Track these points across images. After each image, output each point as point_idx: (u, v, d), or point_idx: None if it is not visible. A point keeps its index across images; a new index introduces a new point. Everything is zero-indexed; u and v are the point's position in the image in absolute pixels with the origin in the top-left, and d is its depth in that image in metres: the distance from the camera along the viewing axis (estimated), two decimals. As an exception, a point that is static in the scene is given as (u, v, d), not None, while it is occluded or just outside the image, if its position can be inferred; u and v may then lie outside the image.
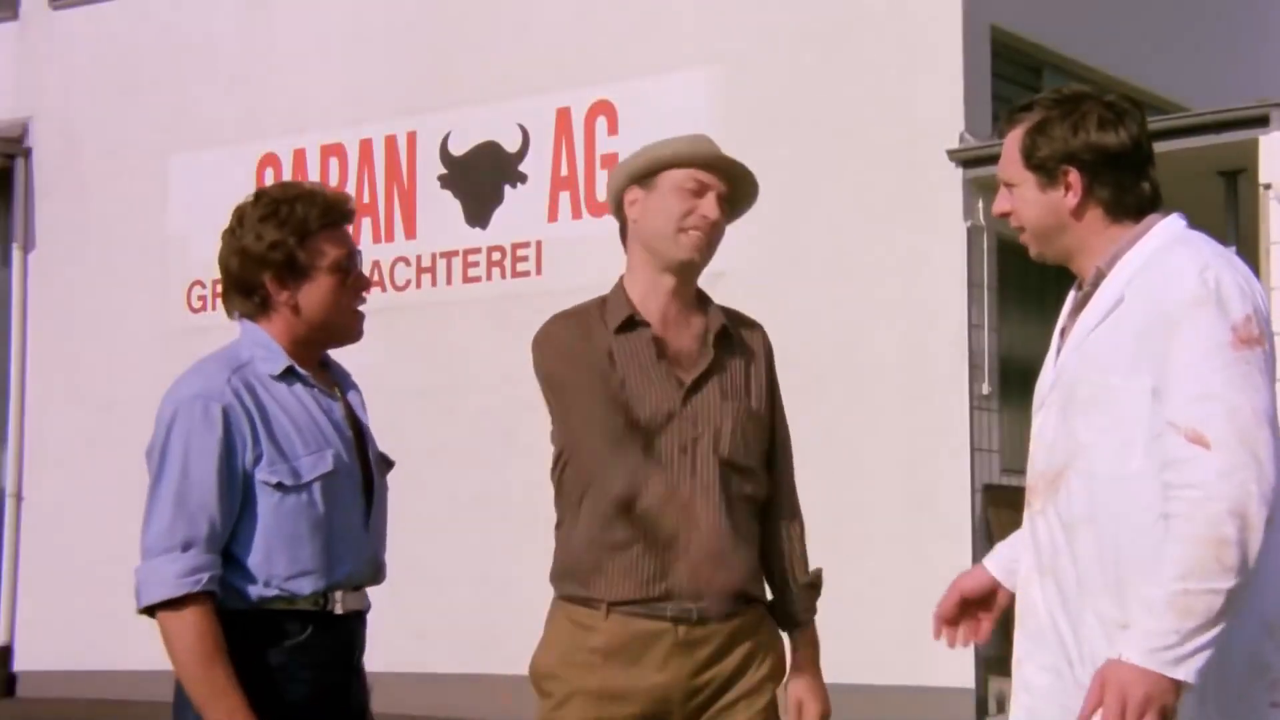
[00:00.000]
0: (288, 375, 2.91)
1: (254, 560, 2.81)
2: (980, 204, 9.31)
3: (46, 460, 12.09)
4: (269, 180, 11.42)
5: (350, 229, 2.99)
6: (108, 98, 12.09)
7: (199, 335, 11.52)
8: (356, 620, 2.98)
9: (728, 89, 9.76)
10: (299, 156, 11.32)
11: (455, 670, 10.21)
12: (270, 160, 11.41)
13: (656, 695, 2.86)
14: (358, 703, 2.93)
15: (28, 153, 12.34)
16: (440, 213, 10.76)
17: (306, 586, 2.85)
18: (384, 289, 10.91)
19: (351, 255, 2.94)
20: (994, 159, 10.28)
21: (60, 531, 11.91)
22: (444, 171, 10.81)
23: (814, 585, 3.03)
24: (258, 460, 2.81)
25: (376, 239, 10.97)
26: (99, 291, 11.93)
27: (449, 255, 10.71)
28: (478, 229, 10.67)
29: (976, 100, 9.36)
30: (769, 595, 3.02)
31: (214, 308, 11.53)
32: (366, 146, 11.09)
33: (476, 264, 10.62)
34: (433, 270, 10.75)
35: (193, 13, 11.89)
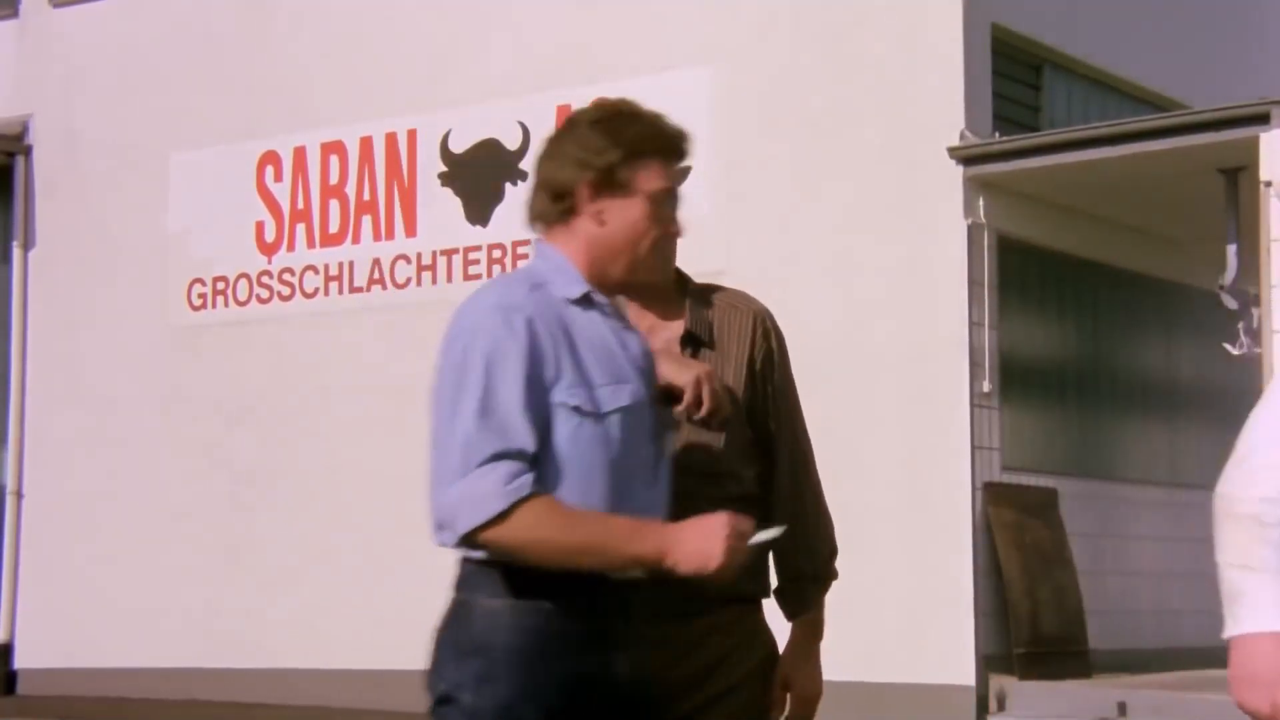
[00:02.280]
0: (585, 301, 2.66)
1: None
2: (980, 202, 9.32)
3: (47, 458, 12.09)
4: (269, 178, 11.42)
5: (679, 171, 2.81)
6: (108, 96, 12.09)
7: (199, 333, 11.55)
8: (633, 590, 2.64)
9: (728, 87, 9.76)
10: (299, 154, 11.32)
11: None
12: (270, 158, 11.41)
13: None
14: (636, 668, 2.64)
15: (28, 151, 12.34)
16: (441, 211, 10.76)
17: None
18: (385, 287, 10.91)
19: (672, 194, 2.75)
20: (994, 157, 10.27)
21: (60, 529, 11.92)
22: (444, 169, 10.81)
23: (819, 578, 2.99)
24: (557, 380, 2.54)
25: (377, 237, 10.97)
26: (99, 289, 11.93)
27: (449, 253, 10.71)
28: (478, 227, 10.67)
29: (977, 98, 9.36)
30: (766, 587, 2.98)
31: (214, 305, 11.54)
32: (367, 144, 11.09)
33: (477, 261, 10.62)
34: (433, 268, 10.75)
35: (193, 11, 11.89)
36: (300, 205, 11.29)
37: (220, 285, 11.50)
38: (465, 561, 2.57)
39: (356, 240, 11.05)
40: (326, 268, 11.14)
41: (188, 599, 11.23)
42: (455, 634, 2.54)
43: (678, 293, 2.99)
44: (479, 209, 10.69)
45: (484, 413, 2.50)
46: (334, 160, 11.21)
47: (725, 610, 2.85)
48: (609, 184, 2.69)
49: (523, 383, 2.51)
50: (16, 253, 12.35)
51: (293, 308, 11.21)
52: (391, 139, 10.99)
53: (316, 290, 11.16)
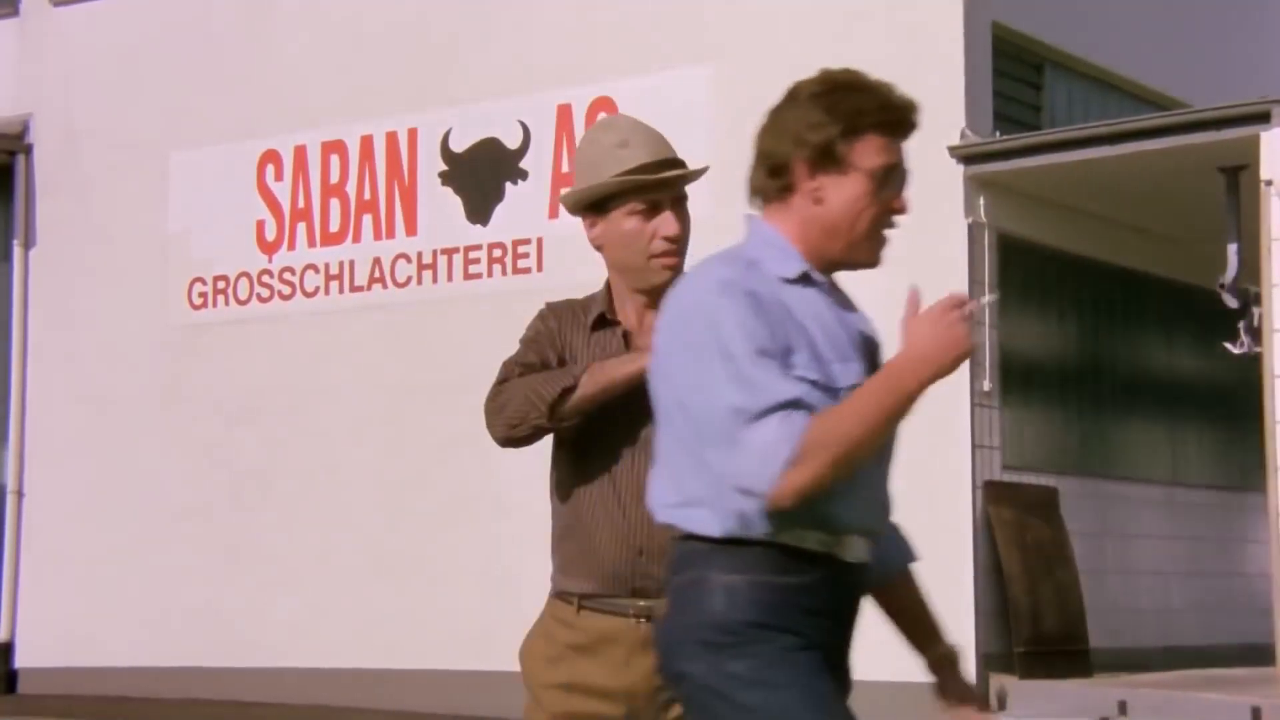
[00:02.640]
0: (803, 280, 2.59)
1: None
2: (981, 201, 9.32)
3: (47, 457, 12.09)
4: (269, 177, 11.42)
5: (903, 145, 2.64)
6: (108, 94, 12.09)
7: (200, 332, 11.54)
8: (861, 572, 2.63)
9: (727, 85, 9.76)
10: (300, 153, 11.32)
11: (454, 667, 10.21)
12: (271, 157, 11.41)
13: (623, 694, 2.84)
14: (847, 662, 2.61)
15: (28, 149, 12.33)
16: (441, 209, 10.76)
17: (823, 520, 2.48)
18: (385, 286, 10.91)
19: (895, 170, 2.60)
20: (994, 156, 10.26)
21: (61, 528, 11.92)
22: (445, 168, 10.80)
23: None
24: (792, 354, 2.48)
25: (377, 235, 10.97)
26: (99, 288, 11.93)
27: (450, 252, 10.71)
28: (479, 226, 10.66)
29: (977, 97, 9.35)
30: None
31: (214, 304, 11.54)
32: (367, 143, 11.09)
33: (477, 260, 10.62)
34: (434, 267, 10.75)
35: (193, 9, 11.89)
36: (301, 204, 11.29)
37: (221, 284, 11.50)
38: (688, 540, 2.48)
39: (357, 239, 11.05)
40: (327, 267, 11.14)
41: (188, 598, 11.23)
42: (695, 614, 2.44)
43: None
44: (479, 208, 10.68)
45: (736, 379, 2.42)
46: (334, 159, 11.21)
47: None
48: (826, 161, 2.57)
49: (765, 351, 2.44)
50: (17, 251, 12.35)
51: (293, 307, 11.21)
52: (392, 138, 10.99)
53: (317, 289, 11.16)
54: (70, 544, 11.84)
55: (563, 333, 3.01)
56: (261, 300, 11.33)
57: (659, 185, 2.96)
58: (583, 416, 2.88)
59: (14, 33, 12.62)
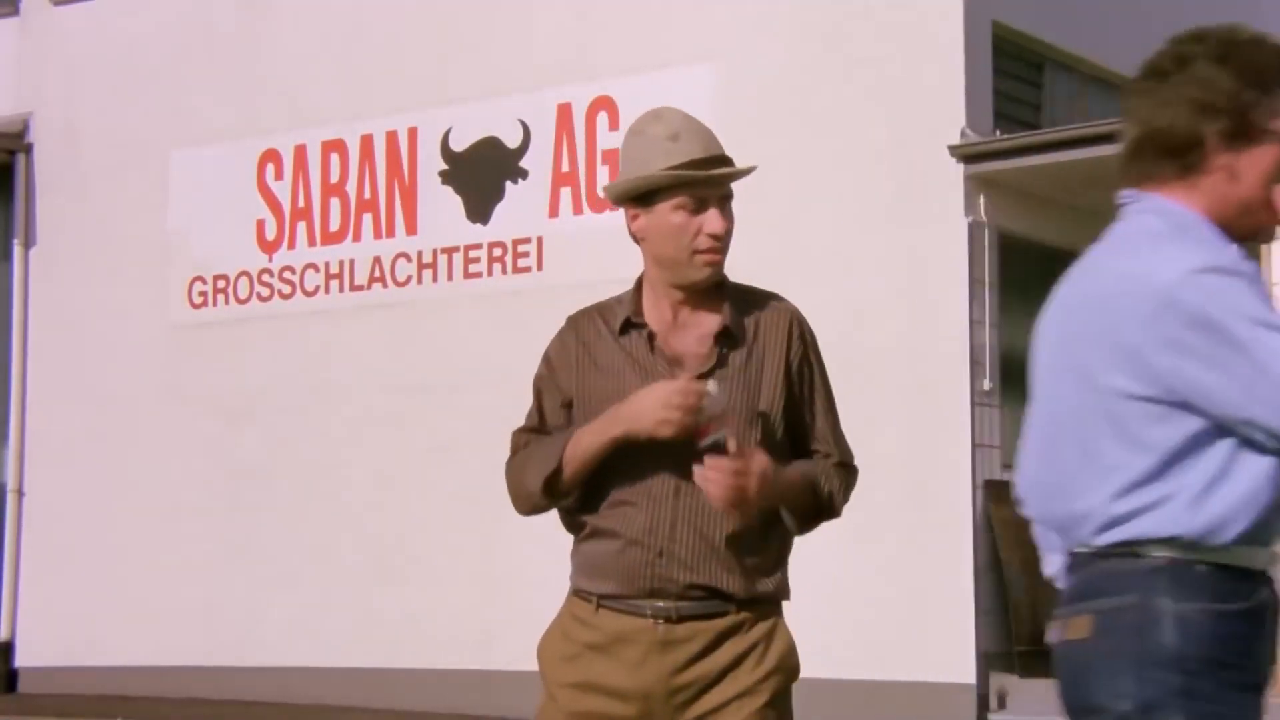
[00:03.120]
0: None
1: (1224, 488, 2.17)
2: (981, 199, 9.31)
3: (47, 456, 12.09)
4: (269, 176, 11.40)
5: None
6: (108, 93, 12.08)
7: (200, 330, 11.54)
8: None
9: (728, 84, 9.76)
10: (300, 152, 11.31)
11: (454, 666, 10.21)
12: (271, 156, 11.41)
13: (638, 694, 2.83)
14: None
15: (28, 148, 12.33)
16: (441, 208, 10.75)
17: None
18: (385, 285, 10.91)
19: None
20: (994, 155, 10.23)
21: (61, 527, 11.91)
22: (445, 167, 10.80)
23: (828, 502, 2.99)
24: None
25: (378, 235, 10.97)
26: (100, 287, 11.93)
27: (450, 251, 10.70)
28: (479, 225, 10.66)
29: (978, 96, 9.35)
30: (781, 591, 2.96)
31: (214, 303, 11.54)
32: (367, 142, 11.08)
33: (478, 260, 10.61)
34: (434, 266, 10.74)
35: (193, 8, 11.88)
36: (301, 203, 11.28)
37: (221, 283, 11.50)
38: (1123, 558, 2.22)
39: (357, 238, 11.04)
40: (327, 266, 11.13)
41: (188, 597, 11.23)
42: (1138, 645, 2.19)
43: (716, 289, 2.98)
44: (480, 207, 10.68)
45: None
46: (334, 158, 11.20)
47: (743, 612, 2.84)
48: (1243, 131, 2.28)
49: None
50: (17, 250, 12.34)
51: (293, 306, 11.20)
52: (392, 137, 10.98)
53: (317, 288, 11.15)
54: (70, 543, 11.83)
55: (578, 355, 2.97)
56: (261, 299, 11.33)
57: (709, 182, 2.93)
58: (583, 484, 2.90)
59: (14, 32, 12.61)
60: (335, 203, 11.18)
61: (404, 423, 10.69)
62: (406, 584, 10.51)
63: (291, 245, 11.27)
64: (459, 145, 10.77)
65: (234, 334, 11.37)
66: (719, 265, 2.96)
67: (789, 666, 2.91)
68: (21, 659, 12.01)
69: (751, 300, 3.01)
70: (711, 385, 2.74)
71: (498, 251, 10.56)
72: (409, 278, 10.83)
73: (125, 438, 11.68)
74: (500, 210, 10.59)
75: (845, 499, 3.02)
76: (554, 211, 10.35)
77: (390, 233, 10.92)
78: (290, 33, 11.43)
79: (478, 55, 10.73)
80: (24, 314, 12.27)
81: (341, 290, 11.07)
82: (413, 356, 10.74)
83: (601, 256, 10.17)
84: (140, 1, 12.10)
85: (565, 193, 10.36)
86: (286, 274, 11.27)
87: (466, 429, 10.32)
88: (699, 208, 2.93)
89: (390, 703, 10.33)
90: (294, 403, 11.09)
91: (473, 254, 10.63)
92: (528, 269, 10.42)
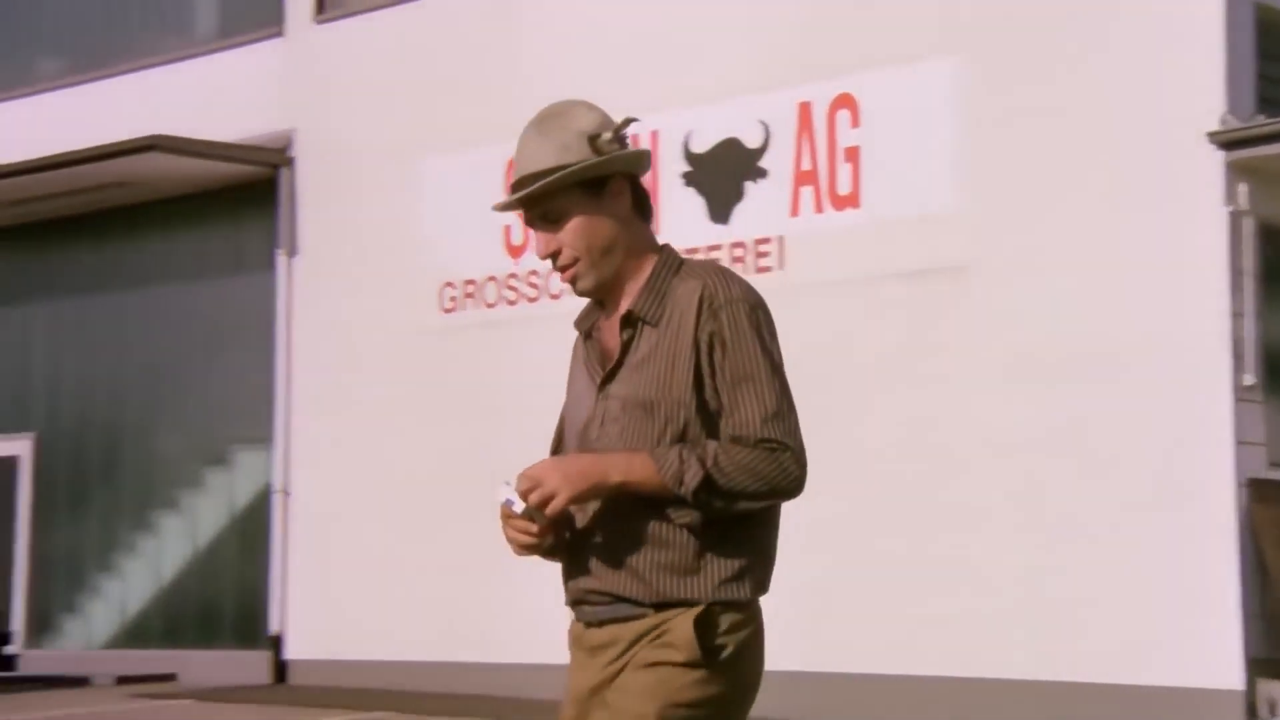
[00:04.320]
0: None
1: None
2: (1242, 188, 8.94)
3: (311, 458, 12.55)
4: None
5: None
6: (365, 106, 12.49)
7: (450, 336, 11.83)
8: None
9: (971, 78, 9.57)
10: (545, 158, 11.49)
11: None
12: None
13: (575, 696, 2.77)
14: None
15: (290, 162, 12.84)
16: (683, 210, 10.81)
17: None
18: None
19: None
20: (1257, 140, 9.80)
21: (325, 526, 12.35)
22: (686, 169, 10.86)
23: (697, 473, 2.63)
24: None
25: (621, 238, 11.07)
26: (358, 295, 12.34)
27: (692, 252, 10.76)
28: (720, 225, 10.68)
29: (1239, 80, 8.98)
30: (697, 594, 2.68)
31: (464, 308, 11.82)
32: (610, 146, 11.20)
33: (719, 260, 10.64)
34: (676, 267, 10.80)
35: (444, 20, 12.20)
36: (546, 208, 11.46)
37: (470, 288, 11.77)
38: None
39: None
40: (572, 269, 11.28)
41: (447, 595, 11.50)
42: None
43: (648, 278, 2.79)
44: (720, 208, 10.70)
45: None
46: (578, 163, 11.35)
47: (663, 613, 2.67)
48: None
49: None
50: (281, 260, 12.86)
51: (539, 309, 11.39)
52: (634, 141, 11.07)
53: (562, 291, 11.33)
54: (333, 542, 12.26)
55: (574, 363, 2.93)
56: (509, 303, 11.56)
57: (509, 209, 2.84)
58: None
59: (279, 51, 13.14)
60: (579, 207, 11.33)
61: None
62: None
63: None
64: (699, 147, 10.81)
65: (482, 338, 11.63)
66: (573, 280, 2.79)
67: (684, 642, 2.64)
68: (291, 651, 12.49)
69: (675, 281, 2.76)
70: (501, 490, 2.69)
71: (739, 252, 10.57)
72: (652, 279, 10.90)
73: (382, 440, 12.05)
74: (740, 210, 10.59)
75: (724, 476, 2.63)
76: (795, 210, 10.30)
77: (633, 235, 11.02)
78: (536, 40, 11.64)
79: (717, 55, 10.75)
80: (288, 321, 12.77)
81: (587, 293, 11.20)
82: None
83: (843, 255, 10.08)
84: (395, 16, 12.48)
85: (806, 192, 10.31)
86: (532, 278, 11.48)
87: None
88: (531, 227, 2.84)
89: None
90: (541, 404, 11.24)
91: (714, 255, 10.66)
92: (769, 269, 10.40)
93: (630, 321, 2.75)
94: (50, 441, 14.33)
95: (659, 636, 2.66)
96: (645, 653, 2.66)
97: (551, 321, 11.34)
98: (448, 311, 11.86)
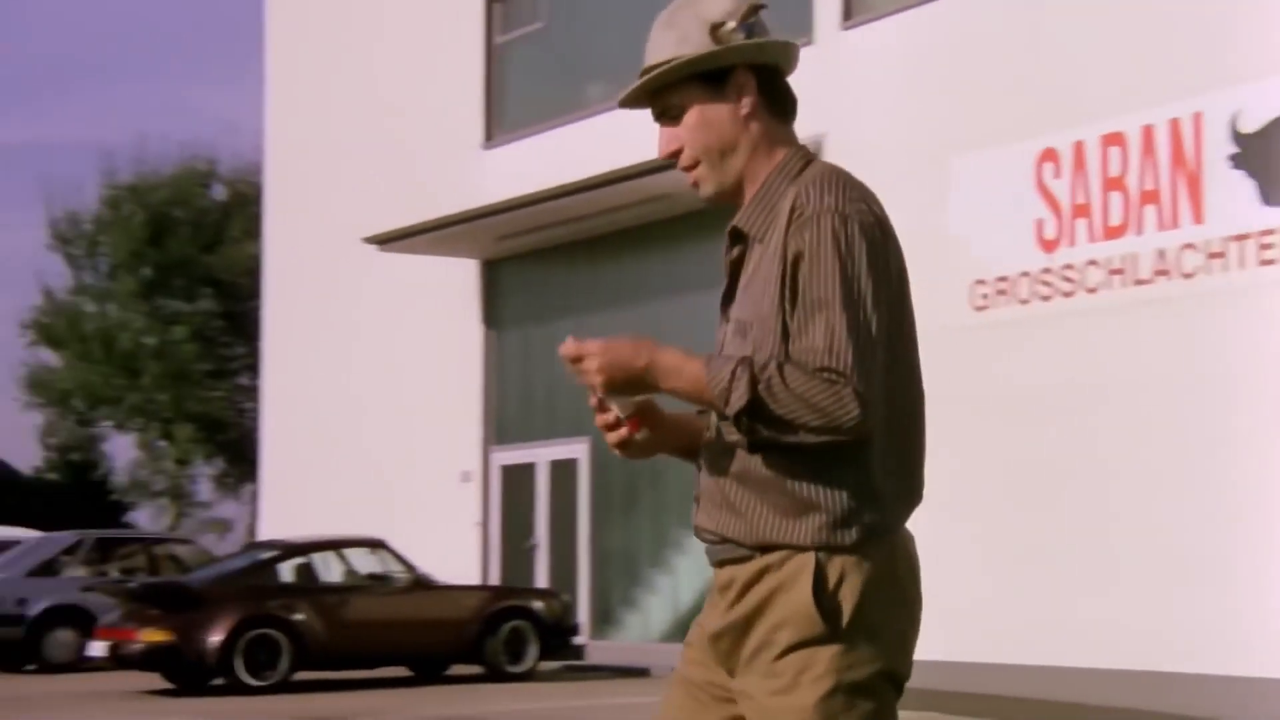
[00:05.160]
0: None
1: None
2: None
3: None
4: (1047, 175, 11.38)
5: None
6: (893, 107, 12.57)
7: (981, 333, 11.71)
8: None
9: None
10: (1078, 149, 11.20)
11: (1266, 674, 9.66)
12: (1049, 155, 11.38)
13: (701, 642, 2.56)
14: None
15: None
16: (1231, 194, 10.25)
17: None
18: (1169, 277, 10.56)
19: None
20: None
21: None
22: (1234, 150, 10.28)
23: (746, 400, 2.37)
24: None
25: (1161, 226, 10.64)
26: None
27: (1241, 239, 10.18)
28: (1273, 208, 10.06)
29: None
30: (798, 538, 2.46)
31: (995, 305, 11.67)
32: (1148, 133, 10.77)
33: (1270, 246, 10.02)
34: (1223, 255, 10.26)
35: (967, 16, 12.10)
36: (1080, 200, 11.17)
37: (1002, 285, 11.61)
38: None
39: (1139, 231, 10.77)
40: (1109, 261, 10.94)
41: (971, 596, 11.39)
42: None
43: (765, 185, 2.54)
44: (1274, 190, 10.08)
45: None
46: (1114, 152, 10.99)
47: (767, 557, 2.46)
48: None
49: None
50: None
51: (1074, 304, 11.10)
52: (1174, 125, 10.61)
53: (1098, 285, 10.98)
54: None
55: None
56: (1043, 299, 11.32)
57: (629, 105, 2.62)
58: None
59: (809, 57, 13.37)
60: (1116, 197, 10.96)
61: (1184, 420, 10.28)
62: (1202, 584, 10.09)
63: (1071, 243, 11.18)
64: (1248, 126, 10.22)
65: (1014, 334, 11.44)
66: (696, 183, 2.56)
67: (805, 615, 2.42)
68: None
69: (788, 189, 2.49)
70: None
71: (1293, 236, 9.91)
72: (1195, 269, 10.41)
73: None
74: (1294, 192, 9.93)
75: (775, 401, 2.36)
76: (1356, 189, 9.55)
77: (1174, 223, 10.56)
78: (1065, 28, 11.36)
79: (1262, 27, 10.13)
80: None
81: (1124, 285, 10.83)
82: (1197, 351, 10.30)
83: None
84: (920, 16, 12.49)
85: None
86: (1067, 272, 11.19)
87: (1248, 425, 9.78)
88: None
89: (1180, 709, 9.93)
90: (1074, 401, 10.97)
91: (1265, 240, 10.05)
92: (1327, 252, 9.70)
93: (737, 237, 2.52)
94: (605, 444, 15.19)
95: (783, 588, 2.43)
96: (763, 684, 2.44)
97: (1085, 316, 11.02)
98: (979, 309, 11.75)
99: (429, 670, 14.22)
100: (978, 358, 11.69)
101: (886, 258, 2.45)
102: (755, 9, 2.52)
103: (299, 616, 13.02)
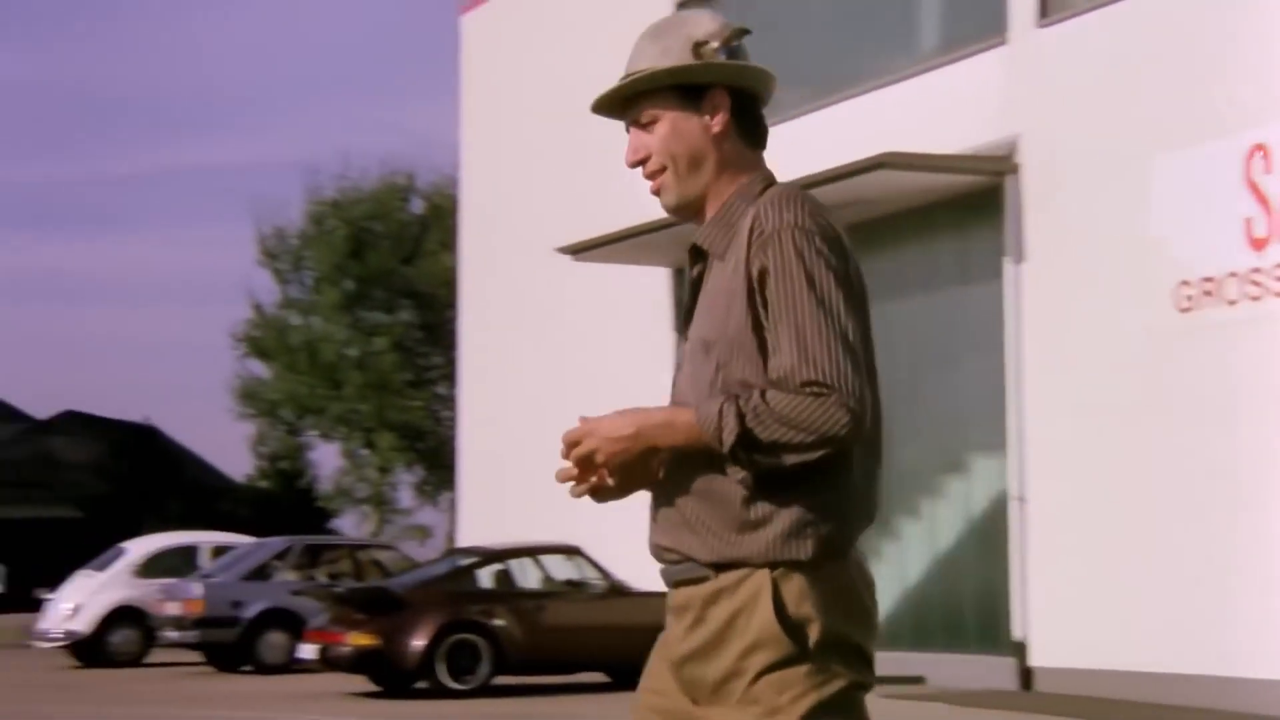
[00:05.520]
0: None
1: None
2: None
3: (1046, 463, 12.47)
4: (1256, 171, 10.99)
5: None
6: (1091, 106, 12.28)
7: (1187, 336, 11.35)
8: None
9: None
10: (1288, 143, 10.80)
11: None
12: (1259, 150, 10.98)
13: (662, 671, 2.57)
14: None
15: (1016, 169, 12.86)
16: None
17: None
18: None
19: None
20: None
21: (1064, 532, 12.23)
22: None
23: (737, 429, 2.37)
24: None
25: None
26: (1088, 297, 12.14)
27: None
28: None
29: None
30: (751, 553, 2.44)
31: (1201, 306, 11.31)
32: (1364, 124, 10.33)
33: None
34: None
35: (1165, 13, 11.76)
36: (1291, 196, 10.76)
37: (1207, 286, 11.25)
38: None
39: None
40: (1322, 260, 10.52)
41: (1190, 603, 11.06)
42: None
43: (727, 203, 2.57)
44: None
45: None
46: (1328, 145, 10.56)
47: (723, 575, 2.45)
48: None
49: None
50: (1008, 267, 12.90)
51: (1285, 304, 10.70)
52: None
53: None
54: (1071, 547, 12.12)
55: None
56: (1252, 299, 10.94)
57: (599, 112, 2.65)
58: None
59: (1002, 58, 13.20)
60: (1330, 192, 10.53)
61: None
62: None
63: (1282, 241, 10.78)
64: None
65: (1221, 336, 11.07)
66: (658, 191, 2.58)
67: (771, 637, 2.41)
68: (1035, 658, 12.46)
69: (747, 209, 2.51)
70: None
71: None
72: None
73: (1117, 443, 11.77)
74: None
75: (764, 428, 2.37)
76: None
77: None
78: (1269, 18, 10.97)
79: None
80: (1017, 328, 12.79)
81: (1340, 285, 10.40)
82: None
83: None
84: (1121, 14, 12.14)
85: None
86: (1278, 272, 10.80)
87: None
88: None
89: None
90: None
91: None
92: None
93: (697, 255, 2.56)
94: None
95: (749, 611, 2.41)
96: (742, 714, 2.43)
97: (1299, 316, 10.61)
98: (1184, 311, 11.40)
99: (625, 676, 14.31)
100: (1183, 361, 11.34)
101: (848, 270, 2.46)
102: (740, 33, 2.57)
103: (499, 622, 13.22)
